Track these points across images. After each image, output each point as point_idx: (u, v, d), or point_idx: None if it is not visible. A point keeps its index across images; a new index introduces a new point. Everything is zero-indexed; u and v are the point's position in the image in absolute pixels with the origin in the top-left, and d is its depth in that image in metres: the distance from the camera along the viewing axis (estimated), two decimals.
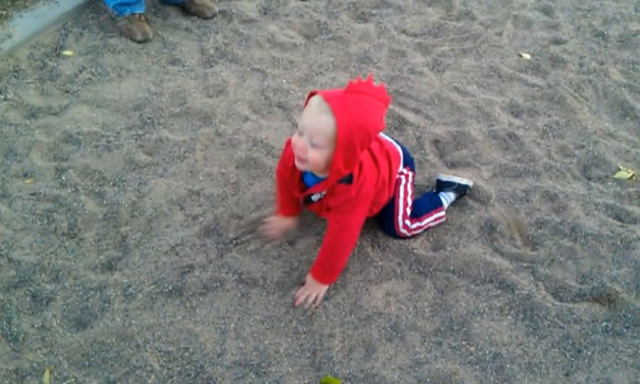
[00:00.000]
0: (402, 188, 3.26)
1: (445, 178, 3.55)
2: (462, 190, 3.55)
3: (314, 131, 2.63)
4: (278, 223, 3.31)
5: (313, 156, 2.66)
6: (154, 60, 4.44)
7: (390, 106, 4.10)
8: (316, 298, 3.05)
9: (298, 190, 3.02)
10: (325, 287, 3.08)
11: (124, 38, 4.58)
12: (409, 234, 3.32)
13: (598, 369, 2.86)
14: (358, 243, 3.24)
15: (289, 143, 2.98)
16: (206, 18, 4.90)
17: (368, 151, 2.95)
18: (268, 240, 3.30)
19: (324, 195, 2.96)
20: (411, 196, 3.31)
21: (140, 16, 4.63)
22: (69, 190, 3.41)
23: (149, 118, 3.92)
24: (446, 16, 5.21)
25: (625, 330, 3.02)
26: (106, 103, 4.00)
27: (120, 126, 3.84)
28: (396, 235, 3.31)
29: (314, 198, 3.01)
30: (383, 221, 3.32)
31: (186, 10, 4.94)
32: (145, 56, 4.46)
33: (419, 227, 3.33)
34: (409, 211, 3.28)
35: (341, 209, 2.92)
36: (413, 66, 4.57)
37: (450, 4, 5.33)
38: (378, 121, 2.68)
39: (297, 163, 2.77)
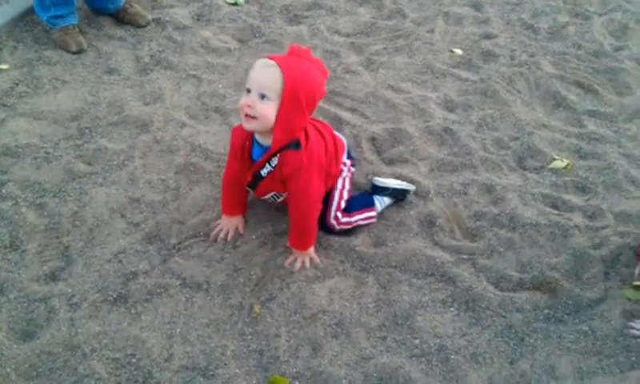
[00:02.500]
0: (340, 180, 3.34)
1: (379, 182, 3.58)
2: (398, 194, 3.58)
3: (262, 82, 2.77)
4: (229, 223, 3.36)
5: (262, 109, 2.78)
6: (90, 70, 4.42)
7: (326, 106, 4.16)
8: (310, 260, 3.23)
9: (248, 166, 3.09)
10: (310, 250, 3.21)
11: (59, 50, 4.55)
12: (337, 227, 3.35)
13: (541, 356, 2.92)
14: None
15: (234, 131, 3.13)
16: (139, 27, 4.90)
17: (312, 125, 3.08)
18: (224, 241, 3.34)
19: (275, 167, 3.01)
20: (348, 191, 3.37)
21: (74, 27, 4.62)
22: (9, 203, 3.38)
23: (87, 128, 3.90)
24: (377, 15, 5.28)
25: (566, 317, 3.10)
26: (43, 115, 3.96)
27: (58, 137, 3.81)
28: (324, 226, 3.34)
29: (264, 171, 3.05)
30: None
31: (120, 20, 4.93)
32: (80, 66, 4.44)
33: (348, 223, 3.38)
34: (343, 204, 3.34)
35: (297, 179, 3.00)
36: (347, 66, 4.63)
37: (380, 3, 5.41)
38: (320, 84, 2.85)
39: (245, 124, 2.87)
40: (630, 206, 3.66)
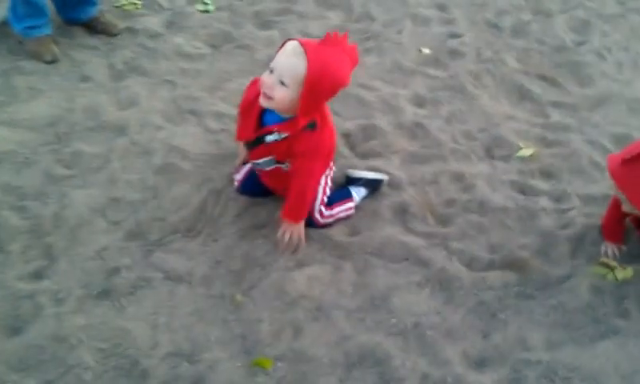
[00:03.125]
0: (323, 177, 3.42)
1: (353, 173, 3.69)
2: (372, 185, 3.66)
3: (284, 70, 2.87)
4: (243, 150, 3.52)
5: (279, 94, 2.89)
6: (65, 78, 4.46)
7: None
8: (298, 237, 3.30)
9: (255, 127, 3.18)
10: (300, 224, 3.29)
11: (33, 60, 4.58)
12: (321, 220, 3.43)
13: (513, 329, 3.03)
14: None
15: (251, 84, 3.27)
16: (112, 36, 4.94)
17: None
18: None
19: (284, 138, 3.11)
20: (330, 187, 3.47)
21: (47, 37, 4.67)
22: None
23: (64, 134, 3.95)
24: (346, 19, 5.35)
25: (536, 293, 3.21)
26: (20, 123, 4.00)
27: (36, 143, 3.86)
28: (309, 221, 3.40)
29: (270, 138, 3.15)
30: None
31: (92, 29, 4.97)
32: (55, 75, 4.48)
33: (331, 216, 3.46)
34: (325, 199, 3.42)
35: (308, 157, 3.12)
36: None
37: (349, 7, 5.47)
38: (345, 75, 2.93)
39: (262, 100, 2.97)
40: (595, 190, 3.78)
